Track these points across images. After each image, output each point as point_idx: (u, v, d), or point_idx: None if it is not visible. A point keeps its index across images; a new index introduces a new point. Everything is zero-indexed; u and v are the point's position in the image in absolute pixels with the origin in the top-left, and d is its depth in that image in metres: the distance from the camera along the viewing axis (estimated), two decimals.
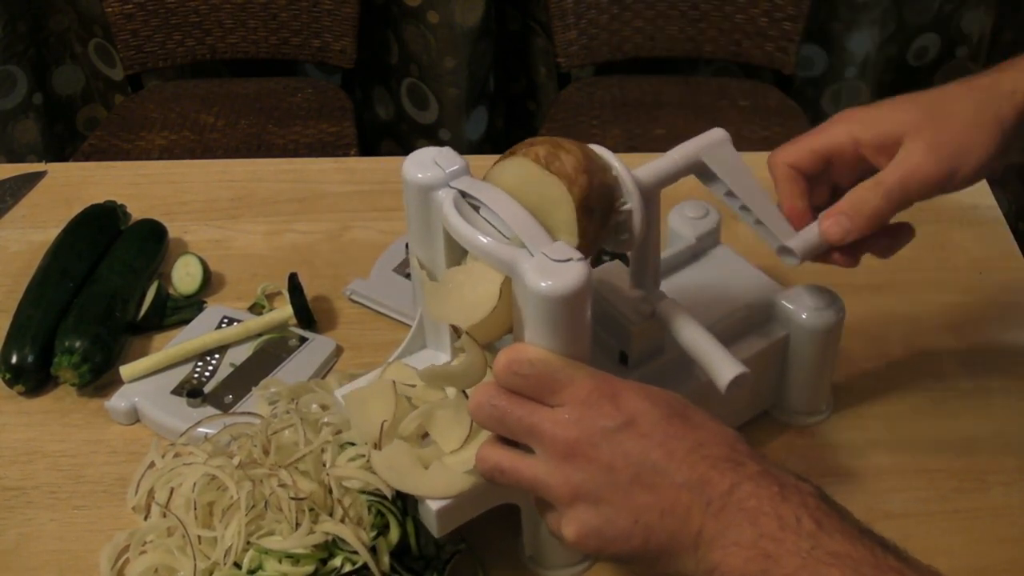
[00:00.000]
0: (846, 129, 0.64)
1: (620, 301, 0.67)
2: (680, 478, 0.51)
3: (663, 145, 0.67)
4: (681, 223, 0.79)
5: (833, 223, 0.63)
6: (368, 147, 2.09)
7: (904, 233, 0.67)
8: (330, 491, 0.62)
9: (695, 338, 0.64)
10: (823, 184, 0.66)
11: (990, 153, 0.61)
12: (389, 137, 2.19)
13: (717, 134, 0.65)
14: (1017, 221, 2.08)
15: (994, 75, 0.63)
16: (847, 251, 0.66)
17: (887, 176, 0.62)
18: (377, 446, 0.61)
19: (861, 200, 0.62)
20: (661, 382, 0.58)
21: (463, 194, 0.60)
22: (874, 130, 0.63)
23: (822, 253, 0.66)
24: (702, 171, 0.66)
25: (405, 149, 2.16)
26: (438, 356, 0.69)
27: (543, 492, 0.54)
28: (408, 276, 0.90)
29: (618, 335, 0.67)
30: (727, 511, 0.49)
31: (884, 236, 0.66)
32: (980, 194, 1.00)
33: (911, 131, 0.61)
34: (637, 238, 0.61)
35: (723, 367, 0.62)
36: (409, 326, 0.85)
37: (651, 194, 0.63)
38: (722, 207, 0.73)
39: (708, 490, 0.50)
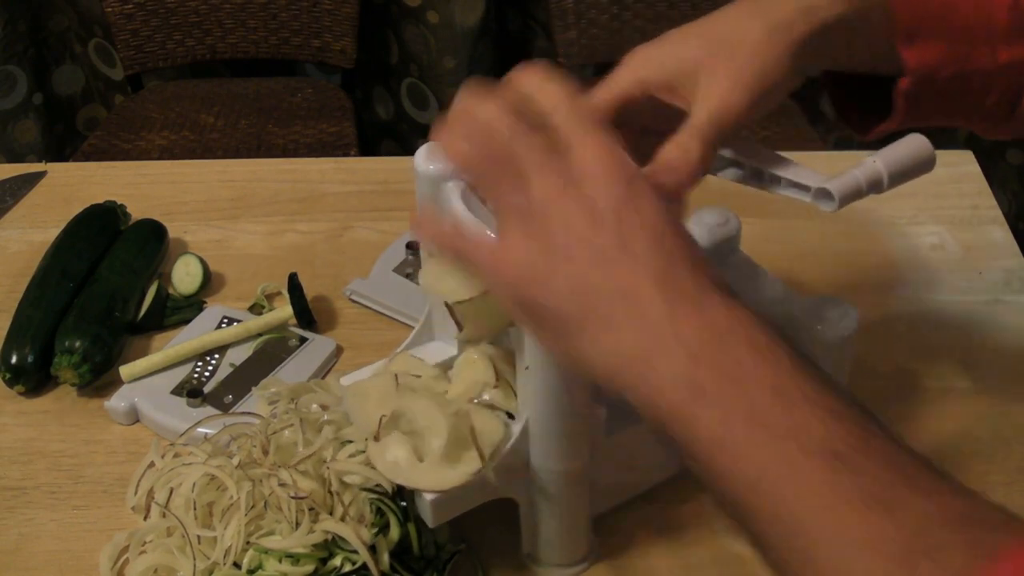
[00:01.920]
0: (632, 75, 0.59)
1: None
2: (645, 254, 0.45)
3: None
4: (701, 230, 0.79)
5: (659, 181, 0.55)
6: (368, 147, 2.09)
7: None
8: (330, 487, 0.62)
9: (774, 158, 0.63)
10: (628, 130, 0.58)
11: (786, 73, 0.56)
12: (389, 137, 2.19)
13: None
14: (1017, 221, 2.08)
15: None
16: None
17: (695, 120, 0.56)
18: (376, 437, 0.61)
19: (676, 151, 0.56)
20: None
21: (472, 186, 0.60)
22: (663, 70, 0.58)
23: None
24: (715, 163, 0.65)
25: (405, 149, 2.16)
26: (446, 348, 0.69)
27: (527, 171, 0.47)
28: (408, 276, 0.90)
29: None
30: (681, 306, 0.44)
31: None
32: (980, 194, 1.01)
33: (705, 65, 0.57)
34: None
35: (812, 176, 0.61)
36: (409, 326, 0.85)
37: None
38: (741, 212, 0.73)
39: (672, 278, 0.45)
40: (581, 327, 0.46)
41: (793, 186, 0.63)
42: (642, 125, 0.60)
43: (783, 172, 0.63)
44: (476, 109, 0.49)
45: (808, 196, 0.63)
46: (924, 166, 0.65)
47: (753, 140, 0.64)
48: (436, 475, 0.58)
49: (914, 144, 0.65)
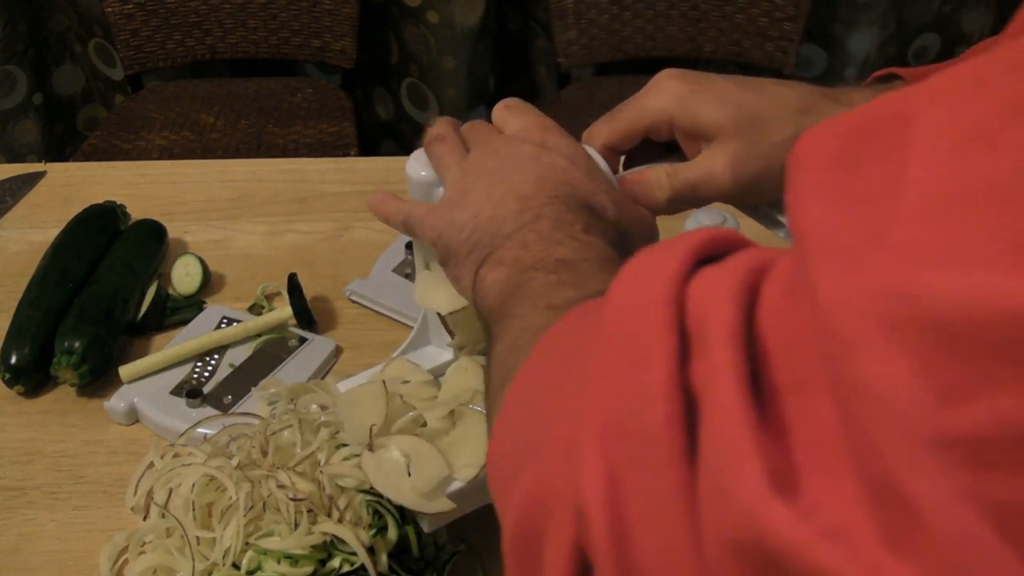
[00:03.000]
0: (664, 109, 0.61)
1: None
2: (515, 176, 0.55)
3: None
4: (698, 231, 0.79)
5: (628, 192, 0.61)
6: (368, 147, 2.09)
7: None
8: (324, 490, 0.62)
9: None
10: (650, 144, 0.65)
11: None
12: (389, 137, 2.19)
13: None
14: None
15: (829, 102, 0.59)
16: None
17: (684, 172, 0.60)
18: (370, 448, 0.61)
19: (657, 184, 0.60)
20: None
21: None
22: (689, 120, 0.60)
23: None
24: None
25: (405, 149, 2.16)
26: (441, 353, 0.69)
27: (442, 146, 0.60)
28: (408, 276, 0.90)
29: None
30: (520, 218, 0.52)
31: None
32: None
33: (722, 135, 0.59)
34: None
35: None
36: (408, 326, 0.85)
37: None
38: (738, 212, 0.73)
39: (523, 203, 0.53)
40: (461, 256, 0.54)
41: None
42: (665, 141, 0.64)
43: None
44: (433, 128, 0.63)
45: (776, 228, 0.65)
46: None
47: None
48: (426, 496, 0.59)
49: None
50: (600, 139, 0.62)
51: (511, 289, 0.49)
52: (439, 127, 0.62)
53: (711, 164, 0.58)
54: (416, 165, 0.63)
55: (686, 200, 0.60)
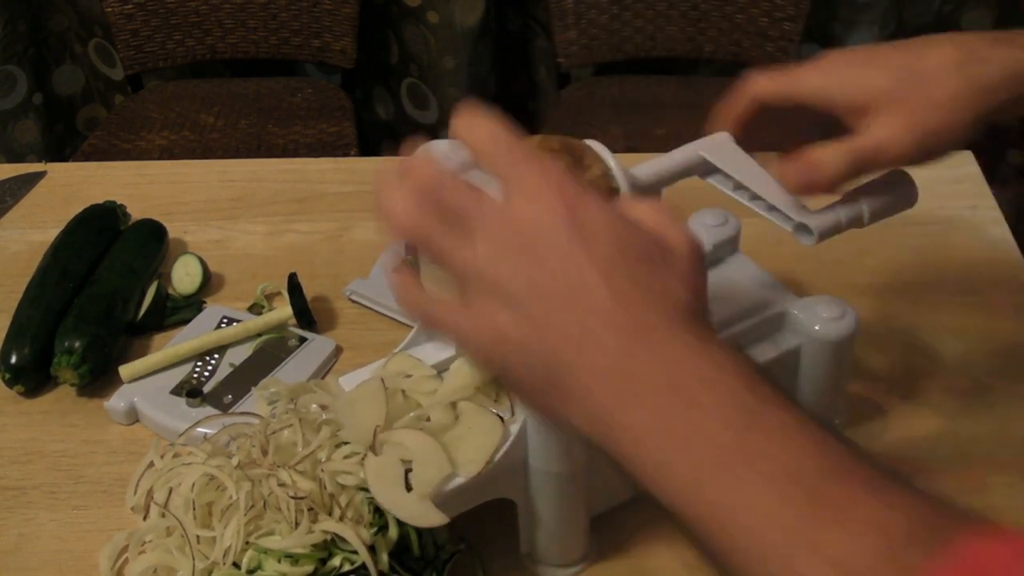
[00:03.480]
0: (822, 86, 0.60)
1: None
2: (602, 304, 0.44)
3: (663, 145, 0.66)
4: (700, 231, 0.79)
5: (798, 173, 0.60)
6: (368, 147, 2.09)
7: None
8: (325, 488, 0.62)
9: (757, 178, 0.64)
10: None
11: (968, 132, 0.58)
12: (389, 137, 2.19)
13: (719, 135, 0.66)
14: (1017, 221, 2.08)
15: (992, 47, 0.58)
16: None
17: (859, 143, 0.58)
18: (373, 449, 0.61)
19: (831, 159, 0.59)
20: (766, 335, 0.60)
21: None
22: (848, 94, 0.59)
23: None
24: (705, 168, 0.66)
25: None
26: (443, 349, 0.69)
27: (464, 272, 0.47)
28: None
29: None
30: (637, 353, 0.44)
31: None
32: (980, 194, 1.01)
33: (886, 102, 0.58)
34: None
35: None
36: (408, 326, 0.85)
37: (648, 192, 0.63)
38: (740, 213, 0.73)
39: (623, 322, 0.44)
40: (548, 391, 0.46)
41: (774, 211, 0.64)
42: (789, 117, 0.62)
43: (767, 194, 0.64)
44: (408, 169, 0.48)
45: (789, 226, 0.64)
46: (906, 203, 0.67)
47: (754, 163, 0.64)
48: (419, 509, 0.59)
49: (898, 182, 0.66)
50: (758, 90, 0.61)
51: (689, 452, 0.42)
52: (417, 168, 0.48)
53: (889, 130, 0.57)
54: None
55: (860, 172, 0.59)
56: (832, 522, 0.39)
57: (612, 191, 0.59)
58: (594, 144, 0.61)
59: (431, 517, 0.59)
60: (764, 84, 0.62)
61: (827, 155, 0.59)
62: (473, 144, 0.49)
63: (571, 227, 0.45)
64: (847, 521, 0.39)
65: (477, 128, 0.49)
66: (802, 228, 0.64)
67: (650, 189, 0.63)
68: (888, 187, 0.65)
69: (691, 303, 0.46)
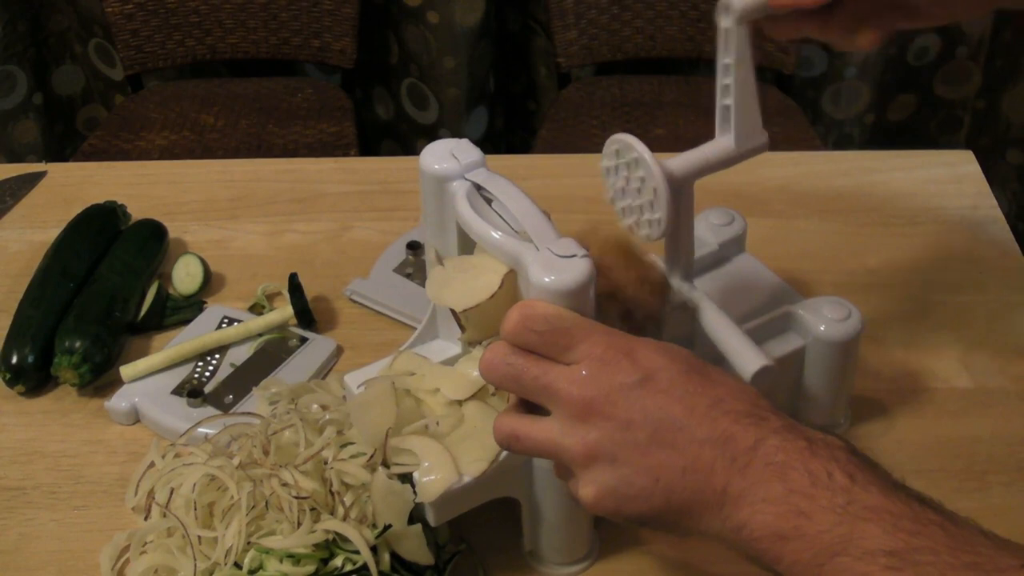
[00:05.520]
0: None
1: None
2: (701, 434, 0.49)
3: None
4: (706, 229, 0.79)
5: None
6: (368, 147, 2.09)
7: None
8: (331, 488, 0.62)
9: (722, 329, 0.66)
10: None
11: None
12: (389, 137, 2.19)
13: (759, 136, 0.67)
14: (1017, 221, 2.08)
15: None
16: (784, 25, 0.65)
17: None
18: (384, 452, 0.61)
19: None
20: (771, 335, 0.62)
21: (477, 187, 0.61)
22: None
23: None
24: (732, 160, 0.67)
25: (405, 149, 2.16)
26: (449, 347, 0.69)
27: (559, 454, 0.52)
28: (408, 276, 0.90)
29: (649, 324, 0.68)
30: (753, 467, 0.48)
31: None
32: (980, 194, 1.01)
33: None
34: (664, 228, 0.63)
35: (748, 359, 0.63)
36: (409, 326, 0.85)
37: (681, 185, 0.64)
38: (745, 213, 0.74)
39: (732, 446, 0.48)
40: (673, 523, 0.51)
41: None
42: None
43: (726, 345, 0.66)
44: (489, 361, 0.54)
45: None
46: None
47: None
48: (416, 545, 0.62)
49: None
50: None
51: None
52: (510, 427, 0.54)
53: None
54: (430, 158, 0.63)
55: None
56: None
57: (661, 282, 0.61)
58: (628, 137, 0.62)
59: (422, 555, 0.61)
60: None
61: None
62: (519, 330, 0.53)
63: (639, 377, 0.50)
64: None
65: (528, 319, 0.53)
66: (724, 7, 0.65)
67: (684, 181, 0.64)
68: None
69: (756, 395, 0.51)
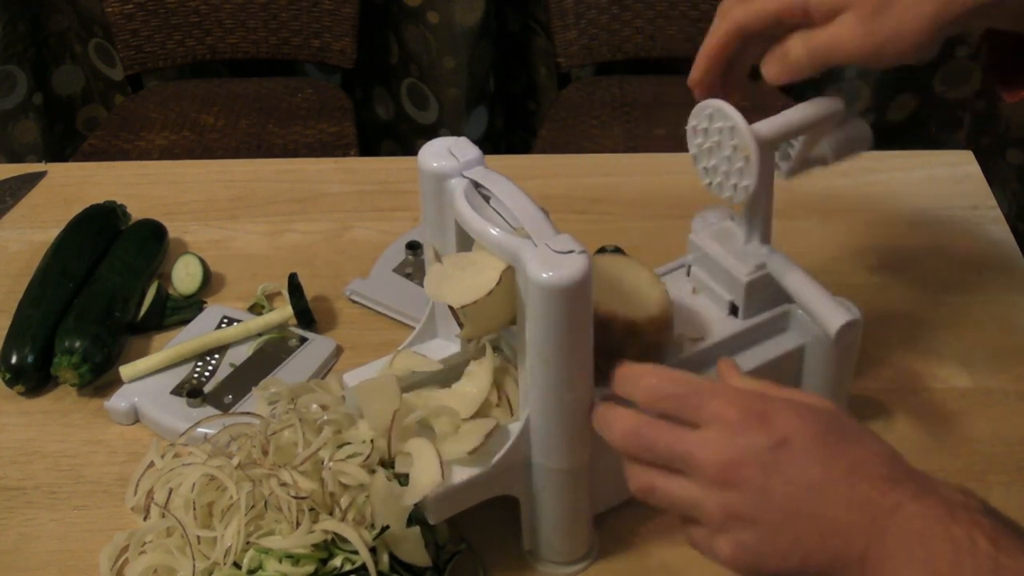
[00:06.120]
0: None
1: (732, 253, 0.70)
2: (839, 498, 0.49)
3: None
4: (704, 229, 0.79)
5: (765, 63, 0.65)
6: (368, 147, 2.09)
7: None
8: (326, 488, 0.62)
9: (805, 287, 0.68)
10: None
11: (924, 44, 0.62)
12: (389, 137, 2.19)
13: (834, 102, 0.69)
14: (1017, 221, 2.08)
15: None
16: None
17: (818, 33, 0.63)
18: (388, 452, 0.61)
19: (789, 46, 0.64)
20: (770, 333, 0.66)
21: (476, 184, 0.61)
22: None
23: None
24: (831, 120, 0.69)
25: (405, 149, 2.16)
26: (448, 346, 0.69)
27: (697, 514, 0.53)
28: (408, 276, 0.90)
29: (730, 286, 0.70)
30: (892, 533, 0.48)
31: None
32: (980, 194, 1.01)
33: (851, 5, 0.62)
34: (754, 188, 0.65)
35: (833, 314, 0.66)
36: (408, 326, 0.85)
37: (768, 148, 0.66)
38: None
39: (871, 510, 0.49)
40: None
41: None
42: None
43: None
44: (622, 434, 0.56)
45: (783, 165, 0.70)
46: (863, 143, 0.71)
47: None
48: (415, 547, 0.62)
49: (853, 124, 0.71)
50: (735, 20, 0.65)
51: None
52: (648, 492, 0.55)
53: (844, 25, 0.62)
54: (428, 156, 0.63)
55: (819, 60, 0.63)
56: None
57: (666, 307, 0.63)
58: (724, 105, 0.65)
59: (420, 557, 0.62)
60: (741, 11, 0.65)
61: (789, 45, 0.64)
62: (648, 396, 0.55)
63: (774, 441, 0.51)
64: None
65: (648, 378, 0.55)
66: (788, 171, 0.70)
67: (770, 143, 0.66)
68: (845, 129, 0.70)
69: (896, 455, 0.52)
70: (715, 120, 0.65)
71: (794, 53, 0.63)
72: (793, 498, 0.50)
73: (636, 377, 0.55)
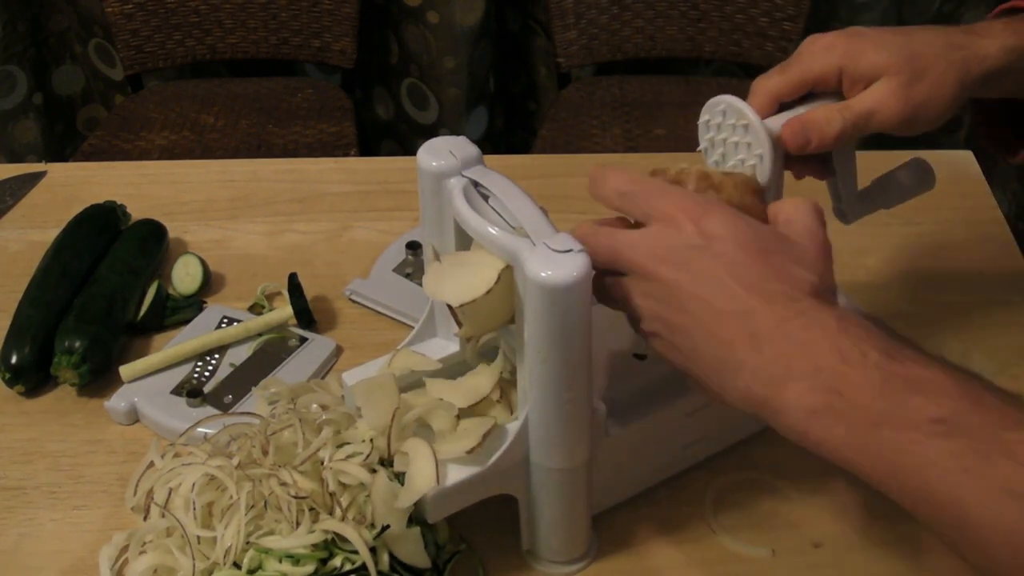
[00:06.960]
0: (835, 62, 0.66)
1: None
2: (723, 306, 0.50)
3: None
4: None
5: (795, 132, 0.65)
6: (368, 147, 2.09)
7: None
8: (326, 487, 0.62)
9: None
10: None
11: (950, 108, 0.66)
12: (389, 137, 2.19)
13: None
14: (1017, 221, 2.08)
15: (970, 37, 0.67)
16: (795, 164, 0.69)
17: (857, 104, 0.65)
18: (388, 449, 0.61)
19: (826, 119, 0.65)
20: None
21: (475, 183, 0.61)
22: (859, 65, 0.65)
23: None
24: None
25: (405, 149, 2.16)
26: (447, 345, 0.69)
27: (630, 310, 0.56)
28: (408, 276, 0.90)
29: None
30: (774, 344, 0.49)
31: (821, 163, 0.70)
32: (980, 194, 1.01)
33: (889, 72, 0.65)
34: (767, 184, 0.65)
35: None
36: (409, 326, 0.85)
37: (779, 144, 0.66)
38: None
39: (751, 321, 0.49)
40: (704, 385, 0.54)
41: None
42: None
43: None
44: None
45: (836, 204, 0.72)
46: (927, 184, 0.75)
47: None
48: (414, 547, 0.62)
49: (918, 167, 0.74)
50: (771, 90, 0.66)
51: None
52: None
53: (881, 93, 0.64)
54: (427, 155, 0.63)
55: (857, 131, 0.65)
56: (1002, 455, 0.43)
57: (756, 190, 0.61)
58: (739, 102, 0.65)
59: (420, 558, 0.62)
60: (776, 80, 0.66)
61: (824, 114, 0.65)
62: (611, 193, 0.57)
63: (698, 241, 0.52)
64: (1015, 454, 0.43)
65: (612, 178, 0.57)
66: (839, 211, 0.71)
67: (781, 140, 0.66)
68: (909, 171, 0.73)
69: (816, 284, 0.51)
70: (728, 116, 0.66)
71: (827, 123, 0.65)
72: (692, 297, 0.51)
73: (604, 177, 0.57)
